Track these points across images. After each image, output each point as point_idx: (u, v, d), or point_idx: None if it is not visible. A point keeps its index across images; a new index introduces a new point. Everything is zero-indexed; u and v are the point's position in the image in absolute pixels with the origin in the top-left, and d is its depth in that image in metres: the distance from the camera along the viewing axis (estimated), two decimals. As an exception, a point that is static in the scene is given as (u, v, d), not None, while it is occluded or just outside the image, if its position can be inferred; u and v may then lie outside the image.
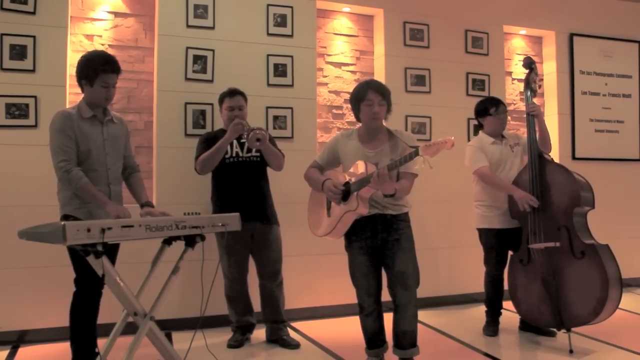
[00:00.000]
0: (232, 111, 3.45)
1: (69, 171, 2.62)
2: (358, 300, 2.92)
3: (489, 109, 3.67)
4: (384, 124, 2.91)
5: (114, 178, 2.82)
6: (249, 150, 3.46)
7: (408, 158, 2.56)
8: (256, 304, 3.59)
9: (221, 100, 3.54)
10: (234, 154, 3.44)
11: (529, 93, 3.60)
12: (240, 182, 3.42)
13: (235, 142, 3.45)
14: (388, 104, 2.84)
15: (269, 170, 3.55)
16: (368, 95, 2.79)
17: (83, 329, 2.71)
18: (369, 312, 2.89)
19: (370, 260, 2.84)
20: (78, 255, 2.53)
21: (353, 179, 2.79)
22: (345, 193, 2.81)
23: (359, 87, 2.88)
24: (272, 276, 3.49)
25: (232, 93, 3.49)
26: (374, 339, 2.93)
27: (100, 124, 2.79)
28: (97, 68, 2.68)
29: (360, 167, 2.78)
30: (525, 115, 3.63)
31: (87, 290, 2.69)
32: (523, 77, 3.73)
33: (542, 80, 3.82)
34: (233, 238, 3.27)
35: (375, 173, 2.58)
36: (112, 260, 2.78)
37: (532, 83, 3.60)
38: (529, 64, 3.64)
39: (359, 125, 2.95)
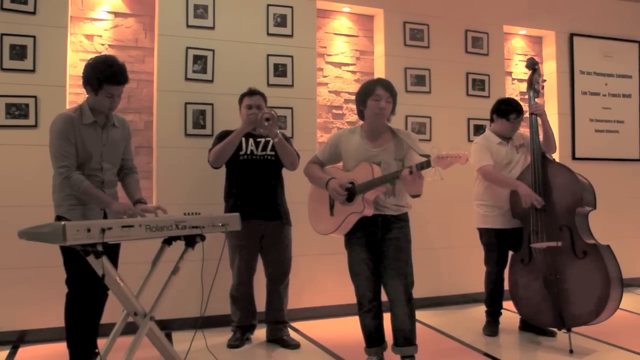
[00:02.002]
0: (250, 109, 3.44)
1: (69, 177, 2.62)
2: (357, 298, 2.93)
3: (509, 114, 3.61)
4: (388, 124, 2.92)
5: (108, 182, 2.81)
6: (264, 149, 3.45)
7: (419, 167, 2.57)
8: (259, 304, 3.58)
9: (241, 99, 3.54)
10: (248, 152, 3.43)
11: (531, 93, 3.61)
12: (253, 181, 3.41)
13: (251, 140, 3.44)
14: (394, 103, 2.86)
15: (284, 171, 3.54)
16: (377, 91, 2.81)
17: (79, 330, 2.70)
18: (368, 308, 2.90)
19: (370, 258, 2.86)
20: (70, 256, 2.54)
21: (357, 180, 2.80)
22: (350, 194, 2.82)
23: (368, 83, 2.91)
24: (280, 277, 3.49)
25: (252, 93, 3.50)
26: (373, 336, 2.93)
27: (101, 129, 2.77)
28: (103, 79, 2.63)
29: (365, 169, 2.78)
30: (527, 115, 3.63)
31: (80, 291, 2.69)
32: (523, 77, 3.75)
33: (545, 81, 3.81)
34: (243, 237, 3.28)
35: (407, 172, 2.57)
36: (114, 260, 2.78)
37: (535, 84, 3.61)
38: (532, 64, 3.64)
39: (362, 123, 2.96)
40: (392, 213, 2.84)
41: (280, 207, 3.49)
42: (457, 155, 2.45)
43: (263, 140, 3.47)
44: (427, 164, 2.53)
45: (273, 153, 3.44)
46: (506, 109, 3.65)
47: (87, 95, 2.76)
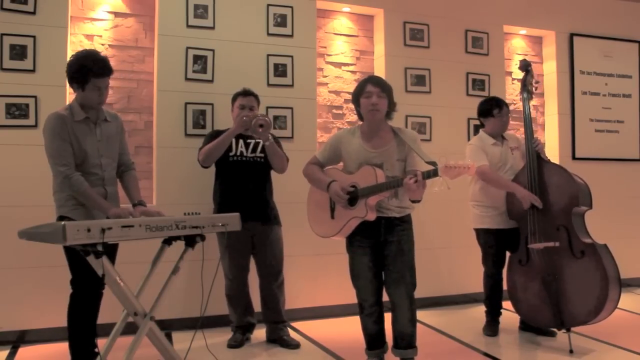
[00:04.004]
0: (243, 109, 3.46)
1: (69, 177, 2.61)
2: (358, 301, 2.91)
3: (492, 110, 3.66)
4: (389, 123, 2.90)
5: (109, 179, 2.80)
6: (254, 151, 3.47)
7: (426, 176, 2.53)
8: (256, 304, 3.59)
9: (234, 98, 3.55)
10: (238, 153, 3.44)
11: (525, 95, 3.63)
12: (243, 182, 3.42)
13: (241, 141, 3.46)
14: (389, 98, 2.83)
15: (272, 172, 3.56)
16: (366, 88, 2.81)
17: (81, 331, 2.70)
18: (369, 312, 2.88)
19: (372, 261, 2.83)
20: (75, 257, 2.53)
21: (360, 184, 2.77)
22: (352, 198, 2.79)
23: (359, 83, 2.91)
24: (273, 276, 3.48)
25: (246, 93, 3.52)
26: (374, 339, 2.92)
27: (94, 125, 2.77)
28: (87, 73, 2.63)
29: (368, 172, 2.75)
30: (523, 116, 3.63)
31: (84, 291, 2.69)
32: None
33: (538, 82, 3.84)
34: (234, 238, 3.27)
35: (412, 181, 2.52)
36: (111, 260, 2.77)
37: (528, 85, 3.64)
38: (525, 66, 3.66)
39: (361, 123, 2.94)
40: (395, 215, 2.81)
41: (270, 208, 3.50)
42: (465, 166, 2.41)
43: (253, 141, 3.48)
44: (434, 173, 2.49)
45: (263, 155, 3.46)
46: (488, 108, 3.70)
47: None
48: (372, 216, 2.74)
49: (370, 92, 2.79)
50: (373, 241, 2.82)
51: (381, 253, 2.82)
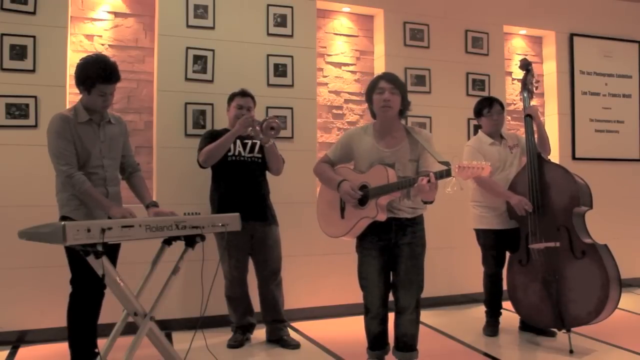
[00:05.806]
0: (240, 109, 3.47)
1: (71, 176, 2.62)
2: (365, 303, 2.87)
3: (482, 110, 3.67)
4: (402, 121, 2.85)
5: (111, 179, 2.82)
6: (252, 151, 3.48)
7: (438, 177, 2.48)
8: (256, 304, 3.58)
9: (231, 98, 3.56)
10: (236, 153, 3.44)
11: (526, 94, 3.63)
12: (241, 181, 3.43)
13: (238, 141, 3.46)
14: (403, 96, 2.77)
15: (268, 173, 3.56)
16: (379, 84, 2.76)
17: (81, 330, 2.71)
18: (374, 315, 2.84)
19: (381, 264, 2.78)
20: (75, 256, 2.54)
21: (371, 183, 2.72)
22: (363, 197, 2.74)
23: (372, 79, 2.86)
24: (272, 276, 3.48)
25: (244, 94, 3.53)
26: (376, 341, 2.89)
27: (97, 127, 2.78)
28: (94, 79, 2.64)
29: (379, 172, 2.69)
30: (523, 116, 3.64)
31: (84, 290, 2.69)
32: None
33: (538, 82, 3.85)
34: (233, 238, 3.28)
35: (424, 182, 2.47)
36: (113, 260, 2.78)
37: (529, 84, 3.64)
38: (525, 65, 3.66)
39: (374, 121, 2.89)
40: (407, 216, 2.76)
41: (267, 208, 3.50)
42: (479, 167, 2.36)
43: (250, 141, 3.48)
44: (447, 173, 2.43)
45: (260, 155, 3.47)
46: (479, 108, 3.72)
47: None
48: (382, 217, 2.68)
49: (383, 88, 2.73)
50: (384, 243, 2.76)
51: (392, 255, 2.77)
